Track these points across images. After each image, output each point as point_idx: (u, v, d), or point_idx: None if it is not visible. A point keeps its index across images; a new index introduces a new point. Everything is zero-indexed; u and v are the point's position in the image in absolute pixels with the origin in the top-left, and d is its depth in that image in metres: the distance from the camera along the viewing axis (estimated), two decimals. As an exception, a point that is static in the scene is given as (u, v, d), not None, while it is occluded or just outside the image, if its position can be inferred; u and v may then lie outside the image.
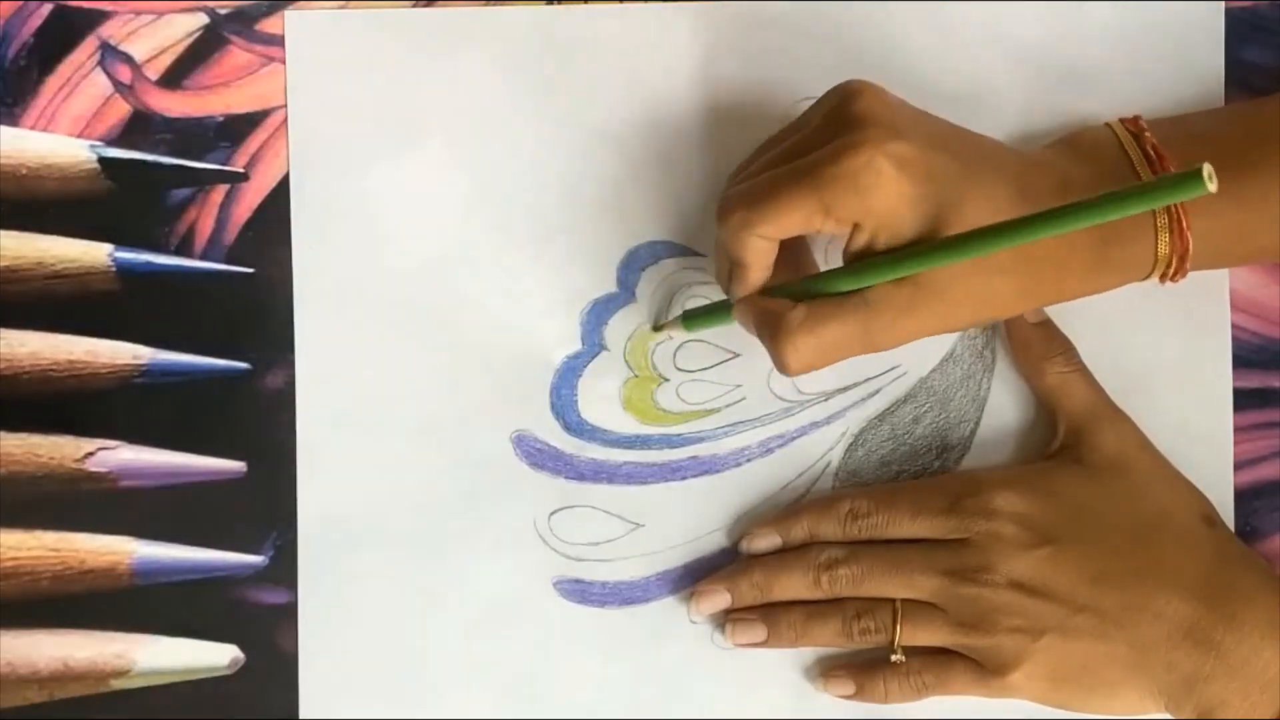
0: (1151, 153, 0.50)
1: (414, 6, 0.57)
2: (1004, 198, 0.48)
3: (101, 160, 0.57)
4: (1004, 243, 0.44)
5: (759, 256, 0.49)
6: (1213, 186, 0.37)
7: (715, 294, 0.56)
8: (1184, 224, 0.50)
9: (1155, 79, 0.56)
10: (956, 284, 0.48)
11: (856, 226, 0.48)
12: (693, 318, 0.55)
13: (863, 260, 0.48)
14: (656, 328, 0.56)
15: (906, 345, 0.56)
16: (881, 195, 0.46)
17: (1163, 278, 0.51)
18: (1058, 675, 0.52)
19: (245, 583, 0.56)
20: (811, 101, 0.51)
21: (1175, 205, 0.49)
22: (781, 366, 0.49)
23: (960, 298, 0.48)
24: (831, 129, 0.48)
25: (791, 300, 0.49)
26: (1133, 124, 0.52)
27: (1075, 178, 0.50)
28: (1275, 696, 0.50)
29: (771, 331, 0.49)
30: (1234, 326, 0.56)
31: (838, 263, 0.50)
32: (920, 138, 0.47)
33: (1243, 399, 0.56)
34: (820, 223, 0.47)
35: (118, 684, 0.56)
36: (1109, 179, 0.50)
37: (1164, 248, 0.50)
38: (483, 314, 0.56)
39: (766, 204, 0.48)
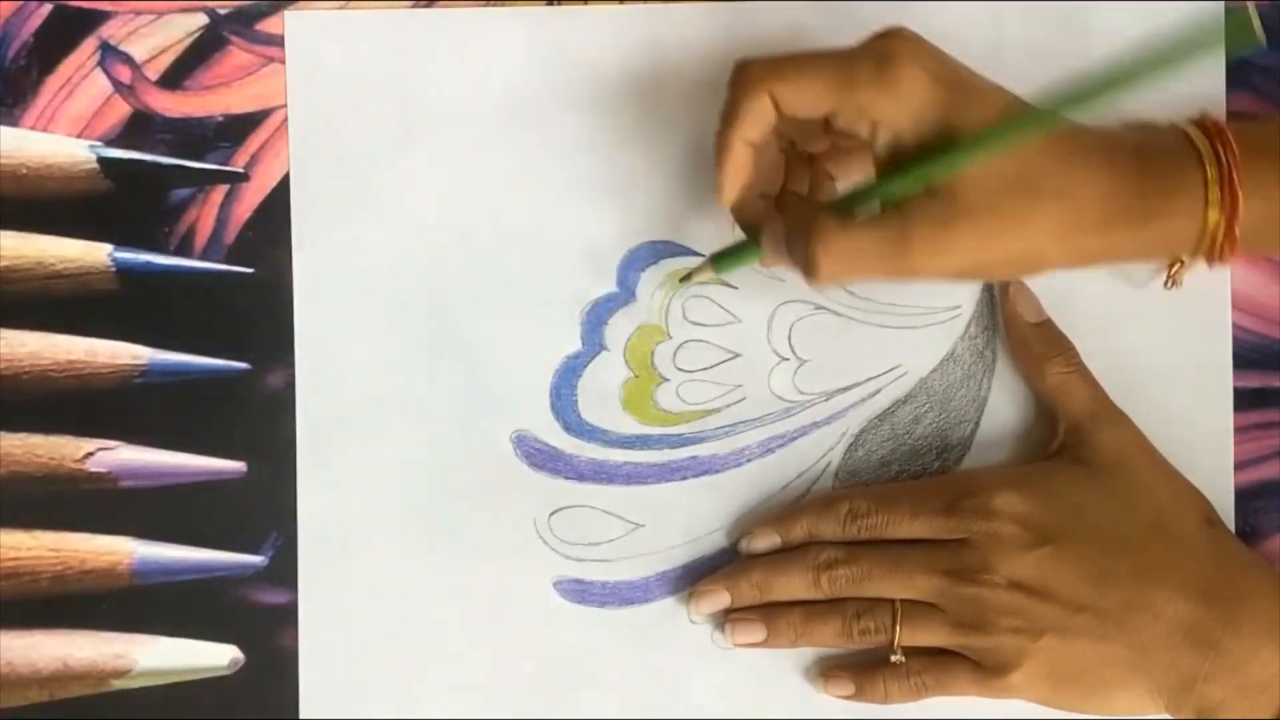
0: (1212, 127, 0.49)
1: (414, 6, 0.57)
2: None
3: (101, 160, 0.57)
4: (1027, 130, 0.44)
5: (760, 124, 0.48)
6: (1262, 38, 0.36)
7: (714, 292, 0.56)
8: (1236, 194, 0.48)
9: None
10: (992, 203, 0.47)
11: (877, 125, 0.47)
12: (724, 258, 0.54)
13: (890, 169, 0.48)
14: (685, 279, 0.56)
15: (906, 345, 0.56)
16: (908, 88, 0.46)
17: (1210, 255, 0.49)
18: (1057, 675, 0.52)
19: (245, 583, 0.56)
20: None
21: (1231, 175, 0.48)
22: (811, 270, 0.47)
23: (997, 221, 0.47)
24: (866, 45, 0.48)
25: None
26: (1206, 121, 0.51)
27: (1125, 136, 0.49)
28: (1274, 697, 0.50)
29: (805, 235, 0.47)
30: (1234, 326, 0.56)
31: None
32: (959, 70, 0.47)
33: (1243, 399, 0.56)
34: (837, 100, 0.47)
35: (118, 684, 0.56)
36: (1161, 141, 0.49)
37: (1213, 214, 0.48)
38: (483, 314, 0.56)
39: (790, 62, 0.47)
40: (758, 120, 0.48)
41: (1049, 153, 0.47)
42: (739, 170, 0.50)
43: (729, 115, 0.49)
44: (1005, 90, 0.48)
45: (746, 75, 0.48)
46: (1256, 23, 0.35)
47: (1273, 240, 0.50)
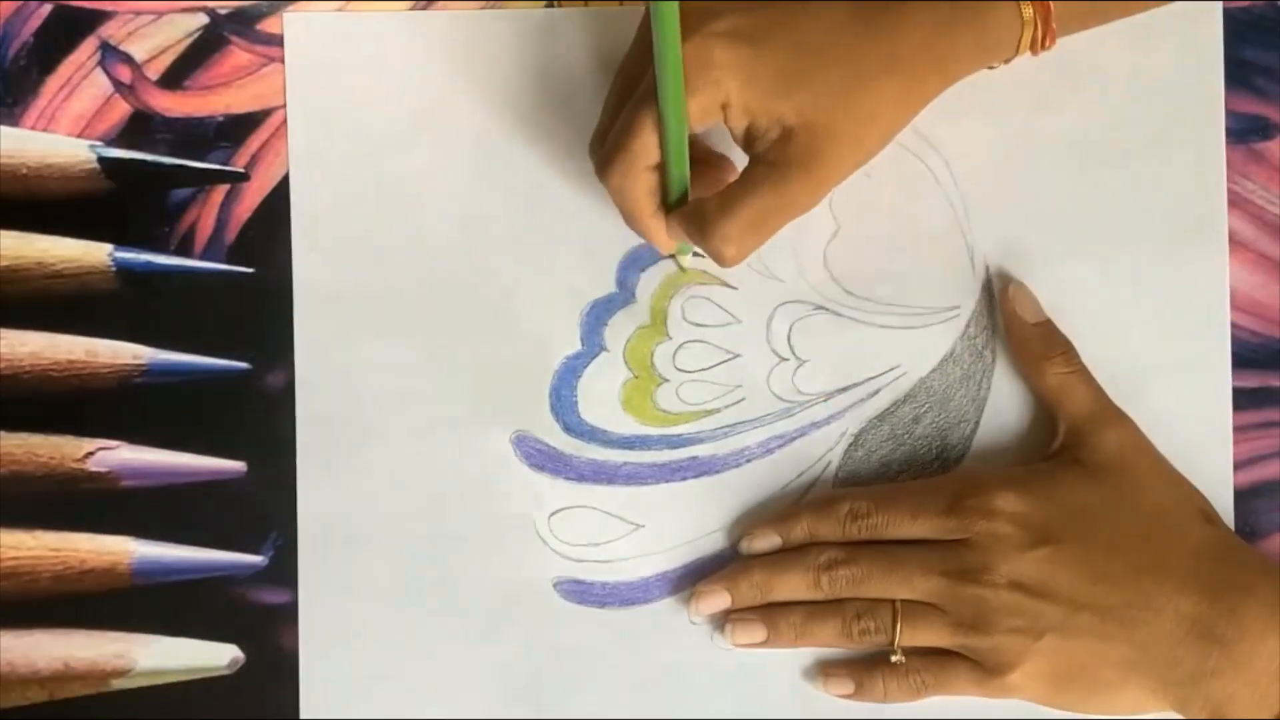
0: None
1: (414, 7, 0.57)
2: (843, 11, 0.49)
3: (101, 160, 0.57)
4: None
5: (649, 198, 0.50)
6: None
7: (713, 292, 0.56)
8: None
9: (1154, 78, 0.56)
10: (841, 113, 0.49)
11: (725, 108, 0.48)
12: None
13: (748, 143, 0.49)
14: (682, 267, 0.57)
15: (906, 345, 0.56)
16: (722, 68, 0.47)
17: (1034, 47, 0.51)
18: (1058, 675, 0.52)
19: (245, 583, 0.56)
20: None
21: None
22: (720, 259, 0.50)
23: (853, 124, 0.49)
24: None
25: (681, 185, 0.51)
26: None
27: None
28: (1283, 688, 0.50)
29: (698, 231, 0.50)
30: (1234, 326, 0.56)
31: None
32: (737, 3, 0.48)
33: (1243, 399, 0.56)
34: (691, 125, 0.48)
35: (118, 684, 0.56)
36: None
37: (1027, 11, 0.50)
38: (483, 314, 0.56)
39: (635, 134, 0.48)
40: (654, 205, 0.51)
41: (870, 33, 0.49)
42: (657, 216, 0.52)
43: (645, 230, 0.51)
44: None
45: (617, 174, 0.50)
46: None
47: (1085, 20, 0.52)
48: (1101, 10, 0.53)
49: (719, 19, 0.48)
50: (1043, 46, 0.51)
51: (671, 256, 0.56)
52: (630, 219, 0.52)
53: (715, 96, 0.48)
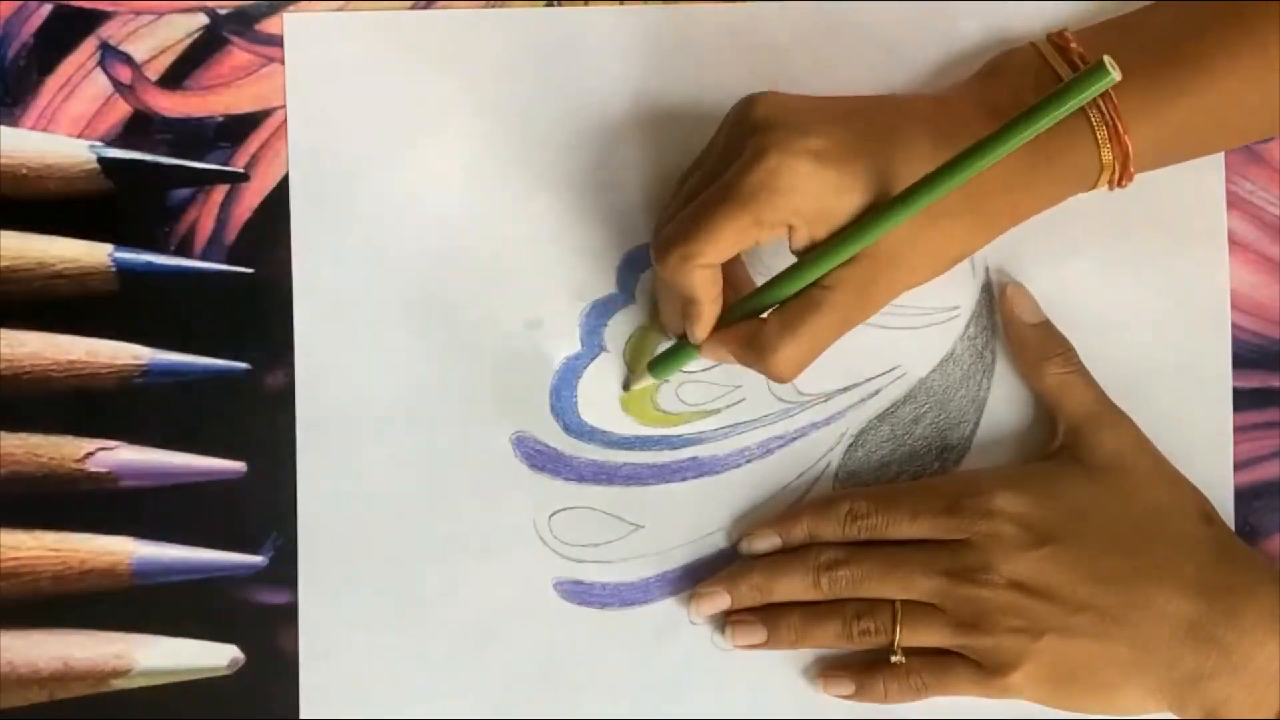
0: (1079, 63, 0.50)
1: (414, 7, 0.57)
2: (927, 146, 0.48)
3: (101, 160, 0.57)
4: (930, 196, 0.45)
5: (707, 288, 0.50)
6: (1117, 75, 0.40)
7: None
8: (1120, 129, 0.49)
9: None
10: (909, 244, 0.49)
11: (792, 227, 0.48)
12: (660, 364, 0.55)
13: (807, 253, 0.49)
14: (627, 387, 0.57)
15: (906, 345, 0.56)
16: (803, 191, 0.47)
17: (1111, 184, 0.51)
18: (1058, 675, 0.52)
19: (245, 583, 0.56)
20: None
21: (1110, 111, 0.49)
22: (776, 379, 0.51)
23: (918, 255, 0.49)
24: (738, 143, 0.49)
25: (750, 315, 0.51)
26: (1059, 38, 0.52)
27: (999, 102, 0.50)
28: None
29: (754, 353, 0.50)
30: (1234, 326, 0.56)
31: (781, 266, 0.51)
32: (826, 123, 0.48)
33: (1243, 399, 0.56)
34: (756, 235, 0.48)
35: (118, 684, 0.56)
36: (1032, 96, 0.49)
37: (1106, 155, 0.50)
38: (483, 315, 0.56)
39: (699, 232, 0.48)
40: (709, 291, 0.50)
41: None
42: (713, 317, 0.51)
43: (691, 309, 0.51)
44: (911, 134, 0.49)
45: (673, 261, 0.49)
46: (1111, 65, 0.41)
47: (1164, 158, 0.52)
48: (1181, 152, 0.52)
49: (808, 137, 0.48)
50: (1119, 185, 0.51)
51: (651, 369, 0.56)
52: (689, 299, 0.51)
53: (786, 218, 0.48)
